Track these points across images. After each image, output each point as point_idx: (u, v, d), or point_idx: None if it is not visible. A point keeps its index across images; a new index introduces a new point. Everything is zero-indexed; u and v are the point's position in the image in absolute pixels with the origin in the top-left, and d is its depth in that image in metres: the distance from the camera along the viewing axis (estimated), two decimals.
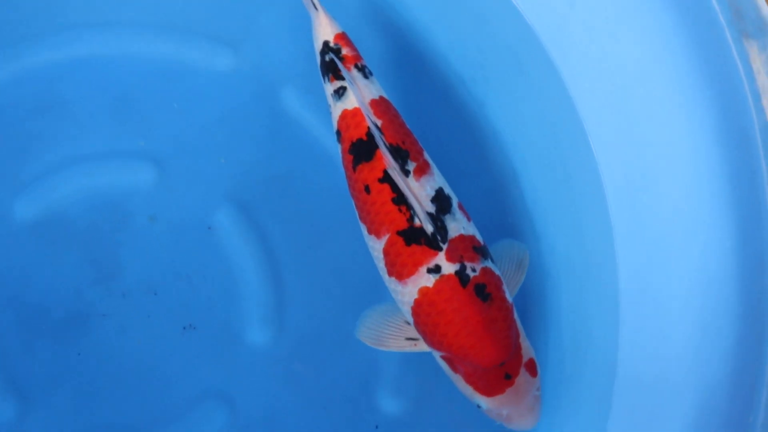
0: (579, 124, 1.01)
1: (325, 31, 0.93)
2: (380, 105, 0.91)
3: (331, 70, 0.92)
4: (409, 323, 0.93)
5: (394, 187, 0.87)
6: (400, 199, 0.86)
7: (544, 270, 1.09)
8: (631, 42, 0.96)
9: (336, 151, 1.08)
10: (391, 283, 0.90)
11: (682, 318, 0.92)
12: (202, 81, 1.11)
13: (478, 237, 0.90)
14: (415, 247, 0.86)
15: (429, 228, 0.85)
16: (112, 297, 1.06)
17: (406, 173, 0.88)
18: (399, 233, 0.87)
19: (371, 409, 1.06)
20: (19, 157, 1.07)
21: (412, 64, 1.13)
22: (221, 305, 1.07)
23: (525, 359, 0.88)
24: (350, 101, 0.90)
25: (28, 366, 1.05)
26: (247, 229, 1.08)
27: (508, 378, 0.87)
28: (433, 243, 0.86)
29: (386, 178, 0.87)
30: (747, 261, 0.91)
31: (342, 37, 0.93)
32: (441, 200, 0.88)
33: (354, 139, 0.90)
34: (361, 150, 0.89)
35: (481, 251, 0.88)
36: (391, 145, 0.88)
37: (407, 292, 0.87)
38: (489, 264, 0.88)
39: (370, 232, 0.89)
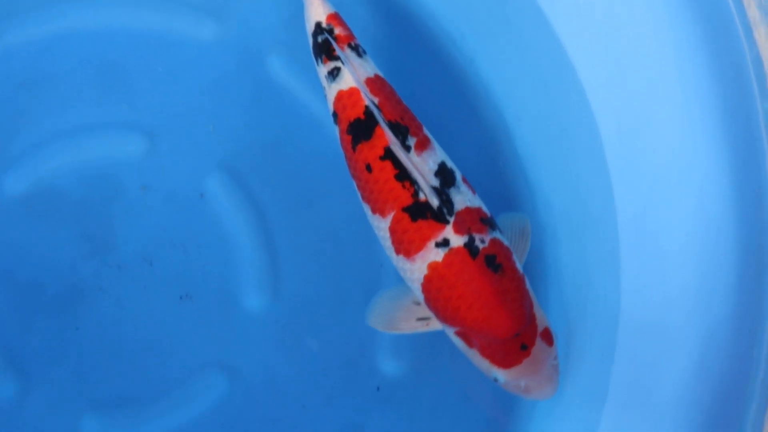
0: (572, 74, 1.00)
1: (317, 11, 0.92)
2: (376, 83, 0.90)
3: (323, 52, 0.91)
4: (418, 303, 0.93)
5: (396, 164, 0.86)
6: (403, 175, 0.85)
7: (541, 225, 1.08)
8: None
9: (324, 115, 1.09)
10: (399, 261, 0.88)
11: (682, 261, 0.91)
12: (187, 51, 1.10)
13: (485, 209, 0.89)
14: (421, 223, 0.85)
15: (434, 202, 0.84)
16: (108, 269, 1.05)
17: (407, 149, 0.87)
18: (404, 210, 0.85)
19: (371, 371, 1.05)
20: (7, 133, 1.06)
21: (399, 24, 1.12)
22: (216, 273, 1.06)
23: (540, 329, 0.87)
24: (345, 81, 0.89)
25: (26, 343, 1.04)
26: (239, 196, 1.07)
27: (525, 349, 0.86)
28: (439, 216, 0.85)
29: (387, 155, 0.86)
30: (744, 198, 0.89)
31: (335, 17, 0.92)
32: (444, 174, 0.87)
33: (351, 119, 0.89)
34: (360, 129, 0.88)
35: (488, 222, 0.87)
36: (389, 121, 0.87)
37: (416, 268, 0.86)
38: (497, 235, 0.87)
39: (374, 211, 0.88)
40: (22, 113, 1.07)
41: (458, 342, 0.89)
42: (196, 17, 1.10)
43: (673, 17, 0.92)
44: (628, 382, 0.94)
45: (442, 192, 0.85)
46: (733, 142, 0.90)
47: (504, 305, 0.83)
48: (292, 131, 1.08)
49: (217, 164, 1.07)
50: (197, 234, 1.07)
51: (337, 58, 0.90)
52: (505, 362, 0.86)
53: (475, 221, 0.86)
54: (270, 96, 1.09)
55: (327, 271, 1.07)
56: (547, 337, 0.88)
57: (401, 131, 0.87)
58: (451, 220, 0.85)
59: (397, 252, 0.88)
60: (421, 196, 0.85)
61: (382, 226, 0.88)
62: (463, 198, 0.87)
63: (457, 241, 0.84)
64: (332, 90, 0.91)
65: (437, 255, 0.85)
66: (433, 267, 0.85)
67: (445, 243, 0.84)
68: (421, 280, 0.86)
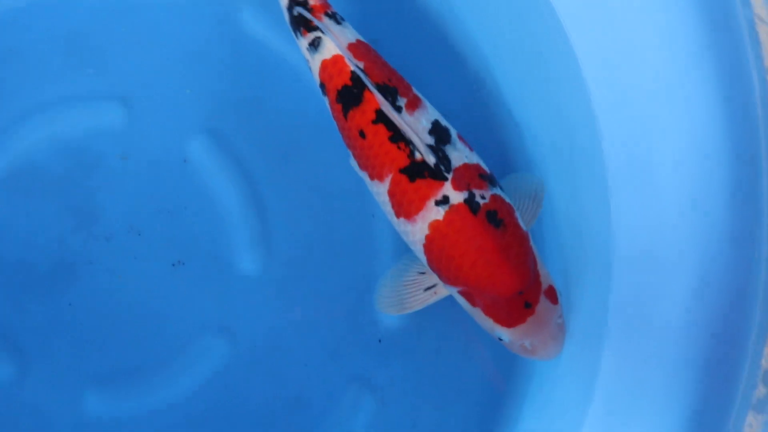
0: (548, 5, 0.98)
1: None
2: (359, 48, 0.89)
3: (301, 24, 0.90)
4: (422, 272, 0.92)
5: (390, 126, 0.84)
6: (397, 137, 0.84)
7: (530, 161, 1.07)
8: None
9: (304, 67, 1.06)
10: (400, 225, 0.88)
11: (673, 185, 0.90)
12: (156, 13, 1.07)
13: (484, 166, 0.88)
14: (419, 182, 0.84)
15: (431, 159, 0.83)
16: (96, 242, 1.04)
17: (398, 109, 0.86)
18: (402, 171, 0.84)
19: (372, 323, 1.05)
20: None
21: None
22: (207, 237, 1.05)
23: (544, 287, 0.86)
24: (327, 50, 0.88)
25: (20, 323, 1.03)
26: (223, 157, 1.05)
27: (528, 306, 0.84)
28: (437, 174, 0.83)
29: (379, 118, 0.85)
30: (734, 118, 0.88)
31: None
32: (439, 132, 0.86)
33: (339, 87, 0.88)
34: (349, 96, 0.87)
35: (488, 179, 0.86)
36: (377, 83, 0.86)
37: (417, 230, 0.85)
38: (498, 191, 0.86)
39: (372, 177, 0.87)
40: None
41: (462, 302, 0.88)
42: None
43: None
44: (626, 315, 0.94)
45: (438, 149, 0.84)
46: (719, 65, 0.88)
47: (507, 262, 0.82)
48: (272, 86, 1.06)
49: (198, 127, 1.06)
50: (184, 199, 1.05)
51: (316, 29, 0.88)
52: (509, 321, 0.85)
53: (474, 177, 0.85)
54: (245, 52, 1.06)
55: (318, 225, 1.06)
56: (552, 295, 0.86)
57: (390, 92, 0.86)
58: (450, 176, 0.83)
59: (398, 215, 0.87)
60: (417, 156, 0.84)
61: (381, 191, 0.87)
62: (460, 155, 0.85)
63: (457, 197, 0.83)
64: (316, 61, 0.89)
65: (438, 213, 0.84)
66: (434, 226, 0.84)
67: (444, 200, 0.83)
68: (423, 241, 0.85)
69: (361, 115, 0.86)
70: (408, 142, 0.84)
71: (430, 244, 0.85)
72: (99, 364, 1.03)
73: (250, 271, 1.05)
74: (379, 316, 1.05)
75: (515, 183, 0.95)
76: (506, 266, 0.82)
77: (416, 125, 0.85)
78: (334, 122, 1.06)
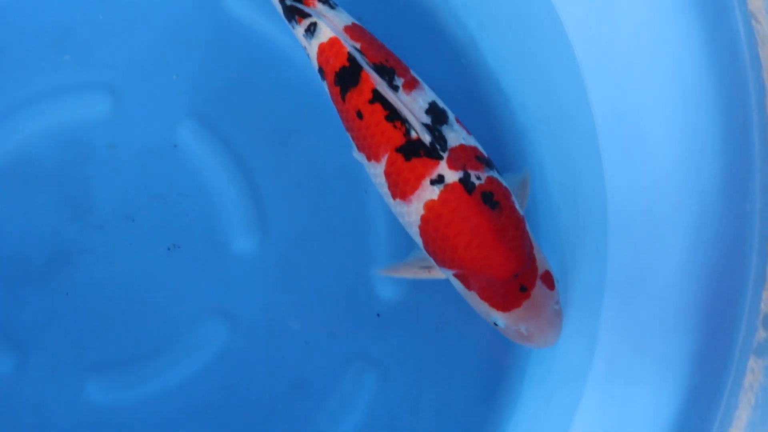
0: None
1: None
2: (355, 30, 0.89)
3: (296, 13, 0.90)
4: (424, 267, 0.93)
5: (386, 105, 0.84)
6: (393, 116, 0.84)
7: (519, 129, 1.07)
8: None
9: (290, 47, 1.07)
10: (396, 206, 0.87)
11: (664, 142, 0.90)
12: (140, 0, 1.07)
13: (481, 149, 0.87)
14: (415, 161, 0.84)
15: (426, 137, 0.83)
16: (91, 231, 1.04)
17: (395, 88, 0.85)
18: (398, 150, 0.84)
19: (370, 298, 1.05)
20: None
21: None
22: (201, 220, 1.05)
23: (540, 271, 0.85)
24: (324, 33, 0.88)
25: (18, 315, 1.03)
26: (213, 140, 1.05)
27: (524, 290, 0.83)
28: (432, 152, 0.83)
29: (376, 97, 0.85)
30: (721, 69, 0.88)
31: None
32: (436, 112, 0.86)
33: (337, 69, 0.88)
34: (346, 77, 0.87)
35: (485, 161, 0.86)
36: (374, 63, 0.86)
37: (413, 210, 0.85)
38: (495, 174, 0.86)
39: (369, 158, 0.87)
40: None
41: (458, 285, 0.87)
42: None
43: None
44: (624, 275, 0.93)
45: (434, 129, 0.84)
46: (701, 8, 0.88)
47: (502, 243, 0.82)
48: (259, 68, 1.06)
49: (187, 112, 1.05)
50: (176, 184, 1.05)
51: (311, 15, 0.89)
52: (504, 305, 0.84)
53: (470, 158, 0.84)
54: (230, 34, 1.06)
55: (312, 203, 1.05)
56: (548, 280, 0.85)
57: (387, 72, 0.86)
58: (445, 155, 0.83)
59: (394, 196, 0.87)
60: (413, 134, 0.83)
61: (377, 172, 0.87)
62: (456, 136, 0.85)
63: (452, 176, 0.83)
64: (313, 46, 0.89)
65: (433, 193, 0.83)
66: (429, 206, 0.84)
67: (440, 179, 0.83)
68: (419, 222, 0.85)
69: (359, 96, 0.86)
70: (404, 121, 0.84)
71: (425, 225, 0.85)
72: (98, 353, 1.03)
73: (246, 252, 1.05)
74: (377, 292, 1.05)
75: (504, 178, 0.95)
76: (501, 247, 0.82)
77: (412, 104, 0.85)
78: (325, 102, 1.06)
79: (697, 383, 0.80)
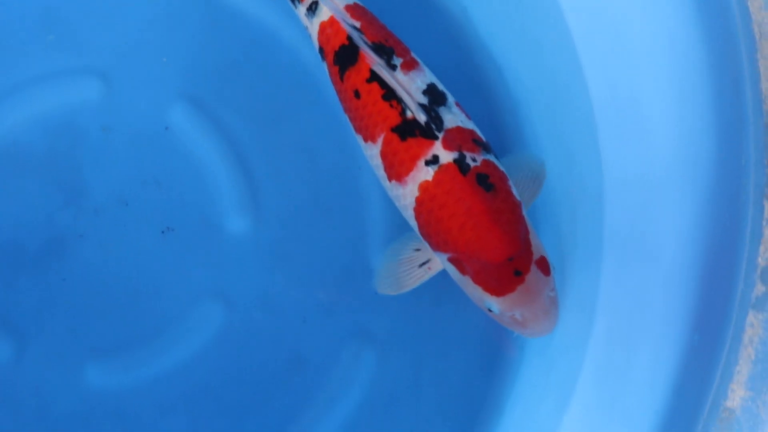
0: None
1: None
2: (356, 9, 0.89)
3: None
4: (417, 249, 0.92)
5: (383, 84, 0.84)
6: (390, 95, 0.84)
7: (513, 102, 1.06)
8: None
9: (281, 27, 1.06)
10: (392, 189, 0.87)
11: (658, 109, 0.90)
12: None
13: (479, 133, 0.87)
14: (410, 141, 0.83)
15: (421, 117, 0.83)
16: (85, 216, 1.03)
17: (393, 68, 0.85)
18: (393, 130, 0.84)
19: (368, 274, 1.04)
20: None
21: None
22: (195, 202, 1.04)
23: (536, 257, 0.83)
24: (324, 12, 0.88)
25: (14, 303, 1.03)
26: (205, 122, 1.05)
27: (518, 275, 0.81)
28: (427, 132, 0.83)
29: (374, 76, 0.85)
30: (713, 32, 0.87)
31: None
32: (434, 94, 0.85)
33: (336, 48, 0.87)
34: (345, 56, 0.86)
35: (482, 145, 0.85)
36: (373, 43, 0.86)
37: (408, 192, 0.85)
38: (492, 159, 0.85)
39: (366, 139, 0.87)
40: None
41: (452, 270, 0.86)
42: None
43: None
44: (621, 238, 0.93)
45: (430, 109, 0.84)
46: None
47: (496, 225, 0.81)
48: (249, 48, 1.06)
49: (178, 94, 1.05)
50: (169, 167, 1.05)
51: None
52: (498, 289, 0.82)
53: (466, 140, 0.84)
54: (220, 14, 1.06)
55: (306, 182, 1.05)
56: (544, 266, 0.83)
57: (386, 52, 0.86)
58: (440, 135, 0.83)
59: (390, 178, 0.86)
60: (409, 114, 0.83)
61: (374, 153, 0.87)
62: (454, 118, 0.85)
63: (447, 156, 0.82)
64: (314, 25, 0.89)
65: (427, 174, 0.83)
66: (423, 187, 0.83)
67: (434, 160, 0.83)
68: (413, 204, 0.85)
69: (357, 74, 0.86)
70: (400, 100, 0.83)
71: (419, 207, 0.84)
72: (97, 338, 1.02)
73: (241, 233, 1.04)
74: (373, 267, 1.04)
75: (517, 160, 0.94)
76: (495, 230, 0.81)
77: (409, 84, 0.85)
78: (317, 81, 1.06)
79: (696, 341, 0.79)
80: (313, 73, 1.06)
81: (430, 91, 0.86)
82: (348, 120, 0.90)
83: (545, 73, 1.03)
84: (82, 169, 1.04)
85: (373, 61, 0.84)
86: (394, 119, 0.84)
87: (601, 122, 0.96)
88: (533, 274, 0.82)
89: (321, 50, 0.90)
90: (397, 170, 0.85)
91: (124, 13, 1.06)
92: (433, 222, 0.84)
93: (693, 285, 0.81)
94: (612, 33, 0.95)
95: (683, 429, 0.75)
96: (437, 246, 0.85)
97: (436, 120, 0.83)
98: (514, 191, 0.85)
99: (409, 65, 0.87)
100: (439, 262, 0.89)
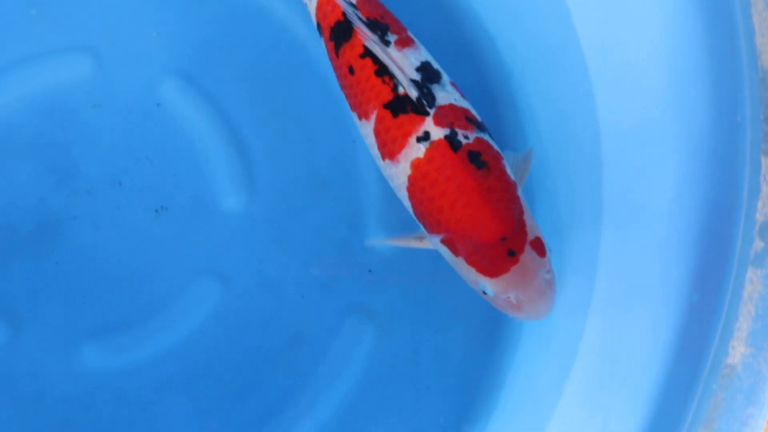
0: None
1: None
2: None
3: None
4: (419, 238, 0.91)
5: (376, 60, 0.83)
6: (383, 70, 0.83)
7: (506, 71, 1.05)
8: None
9: (272, 4, 1.05)
10: (386, 168, 0.86)
11: (652, 63, 0.89)
12: None
13: (474, 112, 0.86)
14: (402, 117, 0.82)
15: (413, 92, 0.82)
16: (77, 197, 1.03)
17: (387, 44, 0.85)
18: (385, 106, 0.83)
19: (364, 249, 1.03)
20: None
21: None
22: (189, 180, 1.04)
23: (531, 237, 0.81)
24: None
25: (8, 286, 1.02)
26: (197, 97, 1.04)
27: (512, 255, 0.79)
28: (419, 108, 0.82)
29: (367, 52, 0.84)
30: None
31: None
32: (428, 71, 0.85)
33: (332, 24, 0.87)
34: (340, 32, 0.86)
35: (476, 124, 0.84)
36: (368, 18, 0.85)
37: (401, 170, 0.84)
38: (486, 137, 0.84)
39: (360, 117, 0.86)
40: None
41: (445, 252, 0.84)
42: None
43: None
44: (620, 201, 0.92)
45: (422, 85, 0.83)
46: None
47: (488, 203, 0.79)
48: (239, 21, 1.05)
49: (168, 70, 1.04)
50: (161, 144, 1.04)
51: None
52: (492, 270, 0.80)
53: (459, 118, 0.83)
54: None
55: (301, 156, 1.04)
56: (539, 246, 0.81)
57: (380, 28, 0.85)
58: (432, 112, 0.82)
59: (383, 156, 0.85)
60: (401, 90, 0.82)
61: (368, 131, 0.86)
62: (447, 95, 0.84)
63: (438, 133, 0.81)
64: (312, 1, 0.89)
65: (419, 151, 0.82)
66: (415, 165, 0.82)
67: (425, 137, 0.82)
68: (407, 184, 0.84)
69: (351, 50, 0.85)
70: (392, 76, 0.83)
71: (412, 186, 0.83)
72: (93, 319, 1.01)
73: (236, 210, 1.03)
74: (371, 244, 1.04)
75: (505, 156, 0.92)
76: (487, 208, 0.79)
77: (403, 60, 0.84)
78: (309, 54, 1.05)
79: (696, 300, 0.78)
80: (307, 47, 1.06)
81: (424, 68, 0.85)
82: (345, 99, 0.90)
83: (538, 38, 1.02)
84: (73, 149, 1.03)
85: (365, 36, 0.84)
86: (387, 95, 0.83)
87: (596, 85, 0.95)
88: (528, 254, 0.80)
89: (318, 26, 0.90)
90: (389, 148, 0.84)
91: None
92: (426, 201, 0.82)
93: (691, 244, 0.80)
94: None
95: (685, 388, 0.75)
96: (431, 227, 0.84)
97: (427, 96, 0.83)
98: (509, 171, 0.84)
99: (404, 42, 0.86)
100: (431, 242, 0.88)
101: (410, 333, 1.03)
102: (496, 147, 0.84)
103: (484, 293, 0.82)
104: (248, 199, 1.04)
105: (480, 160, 0.81)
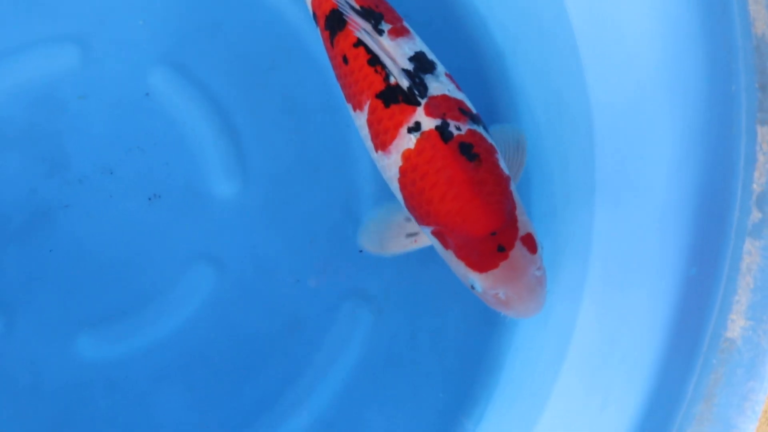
0: None
1: None
2: None
3: None
4: (409, 219, 0.89)
5: (369, 49, 0.82)
6: (375, 59, 0.82)
7: (498, 51, 1.04)
8: None
9: None
10: (379, 160, 0.85)
11: (643, 33, 0.87)
12: None
13: (469, 104, 0.84)
14: (394, 108, 0.81)
15: (404, 82, 0.81)
16: (69, 186, 1.02)
17: (380, 32, 0.83)
18: (378, 96, 0.82)
19: (357, 236, 1.02)
20: None
21: None
22: (181, 167, 1.03)
23: (522, 233, 0.79)
24: None
25: (2, 277, 1.01)
26: (186, 85, 1.03)
27: (502, 250, 0.78)
28: (410, 98, 0.81)
29: (360, 41, 0.83)
30: None
31: None
32: (421, 62, 0.83)
33: (327, 12, 0.86)
34: (334, 20, 0.85)
35: (470, 115, 0.82)
36: (362, 7, 0.84)
37: (393, 162, 0.82)
38: (480, 130, 0.82)
39: (354, 108, 0.85)
40: None
41: (436, 244, 0.83)
42: None
43: None
44: (614, 177, 0.91)
45: (414, 75, 0.82)
46: None
47: (478, 196, 0.78)
48: (228, 7, 1.04)
49: (157, 59, 1.03)
50: (152, 133, 1.03)
51: None
52: (481, 264, 0.78)
53: (452, 109, 0.81)
54: None
55: (293, 141, 1.03)
56: (530, 243, 0.79)
57: (374, 17, 0.84)
58: (423, 102, 0.81)
59: (376, 148, 0.84)
60: (392, 80, 0.81)
61: (361, 123, 0.85)
62: (441, 86, 0.83)
63: (429, 123, 0.80)
64: None
65: (410, 141, 0.80)
66: (406, 156, 0.81)
67: (416, 127, 0.80)
68: (398, 176, 0.82)
69: (345, 39, 0.84)
70: (384, 65, 0.81)
71: (403, 177, 0.82)
72: (88, 309, 1.01)
73: (229, 196, 1.03)
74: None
75: (495, 134, 0.90)
76: (477, 200, 0.78)
77: (396, 50, 0.83)
78: (299, 39, 1.04)
79: (693, 275, 0.77)
80: (297, 31, 1.05)
81: (418, 58, 0.84)
82: (338, 85, 0.89)
83: (529, 16, 1.01)
84: (63, 139, 1.02)
85: (356, 25, 0.83)
86: (379, 84, 0.82)
87: (587, 61, 0.94)
88: (518, 250, 0.78)
89: (314, 16, 0.89)
90: (382, 139, 0.83)
91: None
92: (416, 193, 0.81)
93: (688, 218, 0.79)
94: None
95: (684, 363, 0.73)
96: (421, 219, 0.83)
97: (419, 86, 0.81)
98: (503, 165, 0.82)
99: (398, 32, 0.85)
100: (427, 238, 0.87)
101: (407, 316, 1.02)
102: (490, 140, 0.83)
103: (473, 288, 0.81)
104: (241, 185, 1.03)
105: (472, 152, 0.79)
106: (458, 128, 0.80)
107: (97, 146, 1.02)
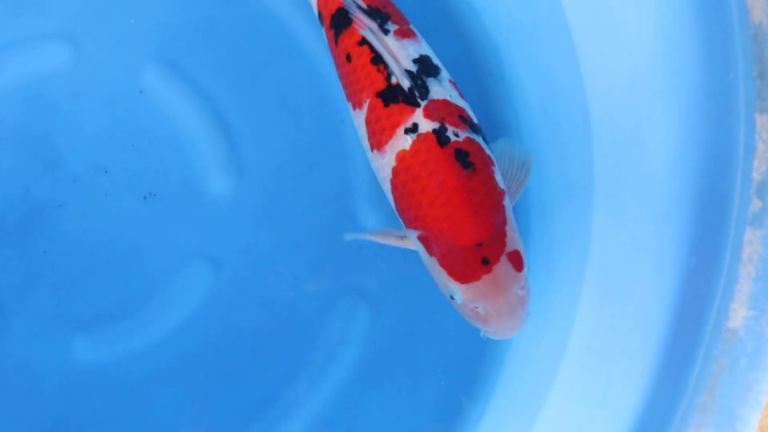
0: None
1: None
2: None
3: None
4: (401, 237, 0.89)
5: (373, 48, 0.82)
6: (378, 58, 0.82)
7: (492, 44, 1.04)
8: None
9: None
10: (374, 160, 0.84)
11: (639, 22, 0.87)
12: None
13: (470, 113, 0.83)
14: (393, 107, 0.81)
15: (405, 83, 0.80)
16: (63, 185, 1.01)
17: (386, 32, 0.83)
18: (378, 95, 0.82)
19: (354, 228, 1.01)
20: None
21: None
22: (175, 165, 1.02)
23: (509, 249, 0.77)
24: None
25: None
26: (180, 82, 1.02)
27: (486, 263, 0.76)
28: (410, 99, 0.80)
29: (365, 40, 0.83)
30: None
31: None
32: (425, 64, 0.83)
33: (333, 11, 0.86)
34: (340, 19, 0.85)
35: (470, 124, 0.82)
36: (369, 7, 0.84)
37: (386, 162, 0.82)
38: (479, 140, 0.81)
39: (354, 106, 0.85)
40: None
41: (420, 249, 0.81)
42: None
43: None
44: (612, 168, 0.90)
45: (417, 77, 0.81)
46: None
47: (468, 205, 0.76)
48: (222, 6, 1.03)
49: (149, 56, 1.02)
50: (146, 131, 1.02)
51: None
52: (463, 275, 0.76)
53: (452, 115, 0.81)
54: None
55: (287, 138, 1.02)
56: (516, 260, 0.77)
57: (381, 16, 0.84)
58: (423, 104, 0.80)
59: (372, 147, 0.84)
60: (394, 80, 0.81)
61: (360, 121, 0.85)
62: (443, 91, 0.82)
63: (427, 126, 0.79)
64: None
65: (405, 142, 0.80)
66: (400, 157, 0.80)
67: (413, 128, 0.80)
68: (390, 176, 0.82)
69: (349, 37, 0.84)
70: (387, 65, 0.81)
71: (395, 178, 0.81)
72: (83, 309, 1.00)
73: (224, 193, 1.02)
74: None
75: (503, 147, 0.90)
76: (466, 209, 0.76)
77: (400, 51, 0.82)
78: (293, 34, 1.03)
79: (694, 265, 0.76)
80: (291, 29, 1.04)
81: (422, 61, 0.83)
82: (332, 81, 0.88)
83: (523, 8, 1.00)
84: (56, 137, 1.01)
85: (361, 24, 0.82)
86: (380, 83, 0.82)
87: (583, 51, 0.93)
88: (503, 265, 0.77)
89: (320, 16, 0.89)
90: (378, 138, 0.83)
91: None
92: (407, 195, 0.80)
93: (687, 208, 0.79)
94: None
95: (686, 353, 0.73)
96: (409, 222, 0.82)
97: (420, 88, 0.81)
98: (498, 178, 0.81)
99: (404, 33, 0.85)
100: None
101: (406, 312, 1.01)
102: (488, 152, 0.82)
103: (452, 299, 0.79)
104: (236, 182, 1.02)
105: (467, 160, 0.79)
106: (456, 135, 0.80)
107: (90, 145, 1.01)
